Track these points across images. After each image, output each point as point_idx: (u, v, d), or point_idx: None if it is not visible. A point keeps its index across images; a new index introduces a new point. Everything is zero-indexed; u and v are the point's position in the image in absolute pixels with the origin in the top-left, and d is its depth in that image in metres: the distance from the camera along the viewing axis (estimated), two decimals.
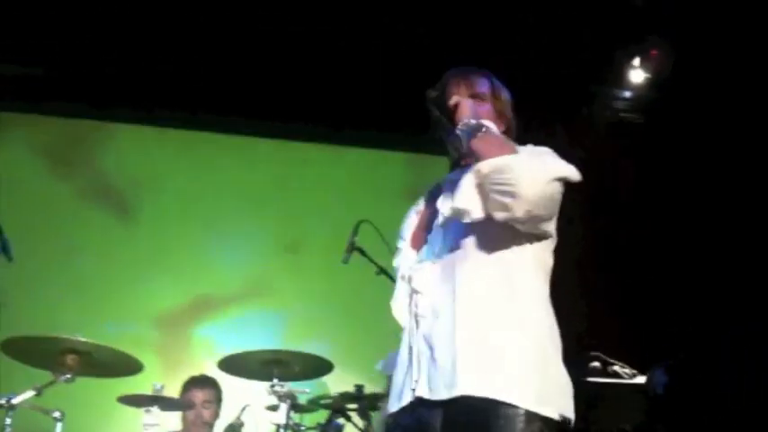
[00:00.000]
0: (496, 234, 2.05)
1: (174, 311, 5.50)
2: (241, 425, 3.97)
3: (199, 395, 4.28)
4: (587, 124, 5.61)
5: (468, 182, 2.03)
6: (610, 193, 5.31)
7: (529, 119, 2.46)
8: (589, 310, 4.96)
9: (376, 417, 4.00)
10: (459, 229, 2.10)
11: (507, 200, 1.94)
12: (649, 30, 5.07)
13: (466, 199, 2.02)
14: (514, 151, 2.03)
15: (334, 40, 5.11)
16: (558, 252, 2.16)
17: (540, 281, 2.12)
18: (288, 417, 3.55)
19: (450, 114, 2.13)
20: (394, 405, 2.13)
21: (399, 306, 2.21)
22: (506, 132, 2.22)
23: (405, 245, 2.29)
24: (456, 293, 2.05)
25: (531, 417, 1.91)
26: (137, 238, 5.60)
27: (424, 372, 2.04)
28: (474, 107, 2.15)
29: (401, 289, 2.22)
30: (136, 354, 3.48)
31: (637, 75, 5.33)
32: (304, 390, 3.73)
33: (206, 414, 4.28)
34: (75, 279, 5.38)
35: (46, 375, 3.32)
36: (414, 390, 2.05)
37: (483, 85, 2.27)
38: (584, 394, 2.19)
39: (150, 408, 3.58)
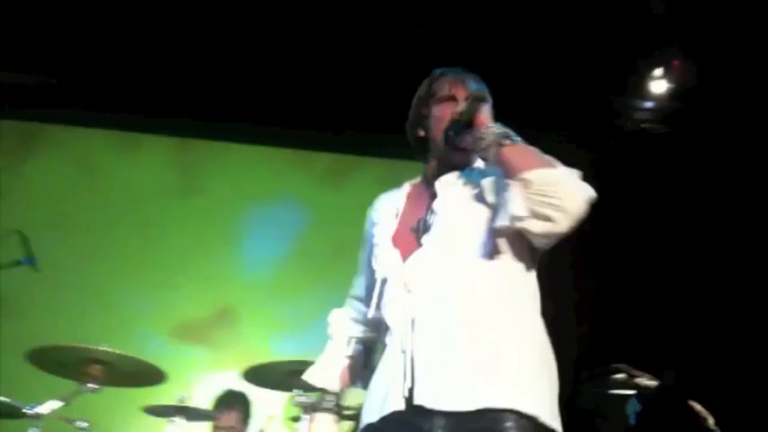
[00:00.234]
0: (504, 240, 2.05)
1: (198, 321, 5.53)
2: None
3: (224, 419, 4.24)
4: (607, 134, 5.59)
5: (516, 191, 1.97)
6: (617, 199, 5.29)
7: (547, 129, 2.46)
8: (589, 312, 4.94)
9: None
10: (463, 232, 2.08)
11: (552, 212, 1.93)
12: (671, 39, 5.05)
13: (521, 208, 1.96)
14: (552, 164, 2.01)
15: (334, 40, 5.09)
16: (559, 252, 2.15)
17: (536, 286, 2.12)
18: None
19: (458, 115, 2.12)
20: (374, 414, 2.01)
21: (391, 309, 2.11)
22: None
23: (386, 246, 2.20)
24: (461, 298, 2.01)
25: (543, 429, 1.91)
26: (161, 247, 5.62)
27: (423, 378, 1.94)
28: (490, 112, 2.14)
29: (393, 291, 2.12)
30: (159, 363, 3.49)
31: (659, 85, 5.31)
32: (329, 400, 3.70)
33: None
34: (100, 289, 5.39)
35: (67, 385, 3.35)
36: (407, 397, 1.94)
37: (482, 88, 2.25)
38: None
39: (175, 418, 3.60)
